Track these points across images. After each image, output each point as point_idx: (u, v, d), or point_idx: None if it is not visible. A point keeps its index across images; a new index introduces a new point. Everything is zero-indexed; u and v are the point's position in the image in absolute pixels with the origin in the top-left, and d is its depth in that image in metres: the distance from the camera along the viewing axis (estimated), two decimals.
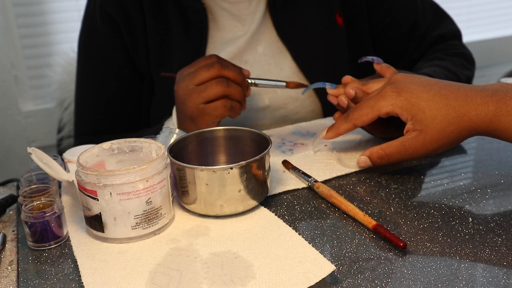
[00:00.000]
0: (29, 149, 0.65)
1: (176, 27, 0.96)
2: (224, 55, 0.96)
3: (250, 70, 0.97)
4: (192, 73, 0.81)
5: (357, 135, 0.85)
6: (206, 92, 0.78)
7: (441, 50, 1.05)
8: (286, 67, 0.99)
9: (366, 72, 0.95)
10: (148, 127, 1.03)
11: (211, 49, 0.97)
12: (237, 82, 0.81)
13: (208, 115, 0.80)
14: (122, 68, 1.00)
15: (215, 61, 0.80)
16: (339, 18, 1.00)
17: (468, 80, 1.01)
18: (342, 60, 1.02)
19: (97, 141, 1.02)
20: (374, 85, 0.77)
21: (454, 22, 1.10)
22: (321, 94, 0.98)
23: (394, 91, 0.69)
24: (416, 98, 0.68)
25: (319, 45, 1.00)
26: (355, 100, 0.76)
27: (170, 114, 0.90)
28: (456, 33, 1.09)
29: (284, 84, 0.85)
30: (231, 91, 0.80)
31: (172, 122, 0.88)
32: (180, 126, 0.85)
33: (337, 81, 0.81)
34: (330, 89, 0.79)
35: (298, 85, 0.86)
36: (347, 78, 0.80)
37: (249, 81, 0.85)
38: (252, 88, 0.91)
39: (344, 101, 0.77)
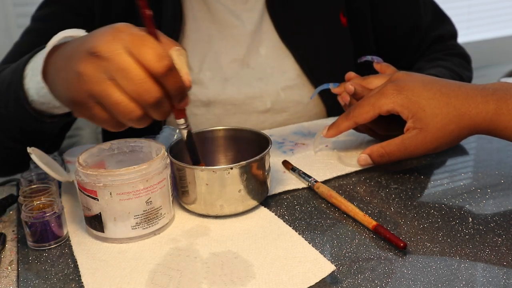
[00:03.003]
0: (29, 149, 0.65)
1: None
2: (226, 58, 0.95)
3: (252, 74, 0.95)
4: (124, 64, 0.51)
5: (358, 135, 0.85)
6: (110, 106, 0.53)
7: (441, 50, 1.05)
8: (289, 70, 0.97)
9: (371, 72, 0.94)
10: None
11: (205, 42, 0.94)
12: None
13: (90, 118, 0.57)
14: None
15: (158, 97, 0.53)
16: (343, 17, 0.99)
17: (469, 81, 1.02)
18: (347, 61, 1.00)
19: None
20: (374, 80, 0.77)
21: (452, 23, 1.10)
22: (325, 96, 0.96)
23: (395, 89, 0.70)
24: (417, 96, 0.68)
25: (323, 46, 0.98)
26: (355, 95, 0.76)
27: None
28: (454, 34, 1.10)
29: None
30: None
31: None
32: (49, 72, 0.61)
33: (342, 82, 0.81)
34: (334, 88, 0.79)
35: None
36: (350, 75, 0.80)
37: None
38: (253, 91, 0.87)
39: (346, 97, 0.76)
